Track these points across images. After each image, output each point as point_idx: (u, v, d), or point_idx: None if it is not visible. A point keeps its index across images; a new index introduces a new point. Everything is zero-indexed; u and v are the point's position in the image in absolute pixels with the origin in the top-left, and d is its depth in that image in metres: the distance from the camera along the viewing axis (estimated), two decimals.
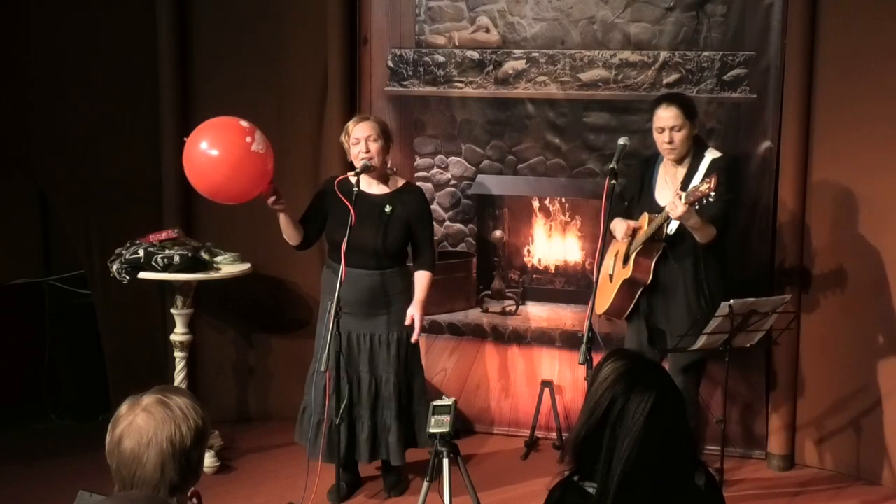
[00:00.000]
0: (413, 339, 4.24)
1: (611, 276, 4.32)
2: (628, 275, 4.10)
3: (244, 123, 4.01)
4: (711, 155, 4.10)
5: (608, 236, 4.25)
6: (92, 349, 5.24)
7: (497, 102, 5.08)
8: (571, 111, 4.99)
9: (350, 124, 4.26)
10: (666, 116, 4.04)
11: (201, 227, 5.13)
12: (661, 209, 4.02)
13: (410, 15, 5.14)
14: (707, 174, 3.97)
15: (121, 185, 5.15)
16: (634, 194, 4.27)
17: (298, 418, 4.38)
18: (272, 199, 4.05)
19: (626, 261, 4.16)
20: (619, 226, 4.18)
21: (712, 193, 3.69)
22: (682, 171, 4.12)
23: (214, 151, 3.92)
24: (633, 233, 4.15)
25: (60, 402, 5.35)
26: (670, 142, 4.05)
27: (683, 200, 3.78)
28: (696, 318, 4.02)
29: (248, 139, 3.94)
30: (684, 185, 4.04)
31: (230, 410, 5.29)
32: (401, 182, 4.35)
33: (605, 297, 4.30)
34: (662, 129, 4.04)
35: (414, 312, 4.22)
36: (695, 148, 4.11)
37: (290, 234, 4.25)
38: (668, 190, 4.11)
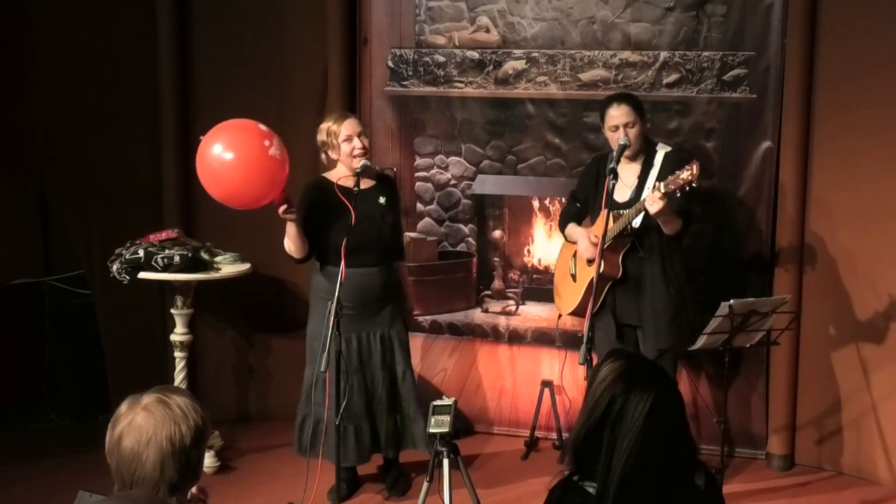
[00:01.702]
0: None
1: (574, 276, 4.37)
2: (599, 271, 4.13)
3: (263, 127, 3.93)
4: (664, 149, 4.22)
5: (590, 238, 4.31)
6: (92, 349, 5.24)
7: (497, 102, 5.08)
8: (571, 111, 4.99)
9: (332, 126, 4.20)
10: (618, 114, 4.14)
11: (201, 227, 5.13)
12: (617, 205, 4.10)
13: (410, 15, 5.14)
14: (663, 167, 4.09)
15: (121, 185, 5.15)
16: (588, 194, 4.36)
17: (296, 430, 4.35)
18: (283, 207, 4.00)
19: (590, 259, 4.20)
20: (582, 241, 4.28)
21: (695, 182, 3.76)
22: (636, 167, 4.21)
23: (231, 154, 3.81)
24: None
25: (60, 402, 5.35)
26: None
27: (664, 189, 3.84)
28: (668, 307, 4.12)
29: (267, 143, 3.87)
30: (641, 180, 4.14)
31: (230, 410, 5.29)
32: (378, 169, 4.45)
33: (570, 297, 4.37)
34: (616, 127, 4.14)
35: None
36: (645, 145, 4.21)
37: (297, 245, 4.19)
38: (624, 187, 4.18)
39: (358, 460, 4.26)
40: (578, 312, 4.35)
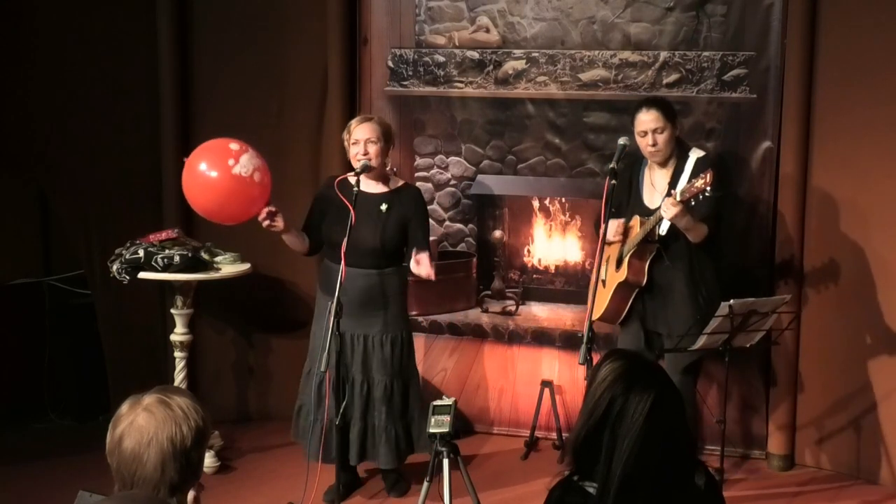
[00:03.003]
0: (431, 277, 4.24)
1: (603, 282, 4.35)
2: (623, 278, 4.12)
3: (234, 146, 3.99)
4: (696, 154, 4.15)
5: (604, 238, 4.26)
6: (92, 349, 5.24)
7: (497, 102, 5.08)
8: (571, 111, 4.99)
9: (352, 123, 4.26)
10: (647, 119, 4.09)
11: (201, 227, 5.11)
12: (649, 212, 4.07)
13: (410, 15, 5.14)
14: (694, 172, 4.02)
15: (121, 185, 5.15)
16: (622, 199, 4.28)
17: (294, 418, 4.40)
18: (266, 223, 4.06)
19: (618, 264, 4.18)
20: (610, 226, 4.20)
21: (708, 189, 3.72)
22: (667, 172, 4.17)
23: (200, 173, 3.95)
24: (625, 233, 4.17)
25: (60, 402, 5.34)
26: (654, 144, 4.10)
27: (679, 198, 3.81)
28: (696, 316, 4.03)
29: (231, 161, 3.93)
30: (672, 185, 4.08)
31: (230, 410, 5.29)
32: (399, 182, 4.35)
33: (598, 302, 4.32)
34: (645, 133, 4.09)
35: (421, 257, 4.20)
36: (678, 149, 4.16)
37: (294, 247, 4.31)
38: (655, 192, 4.15)
39: (326, 459, 4.16)
40: (606, 318, 4.27)
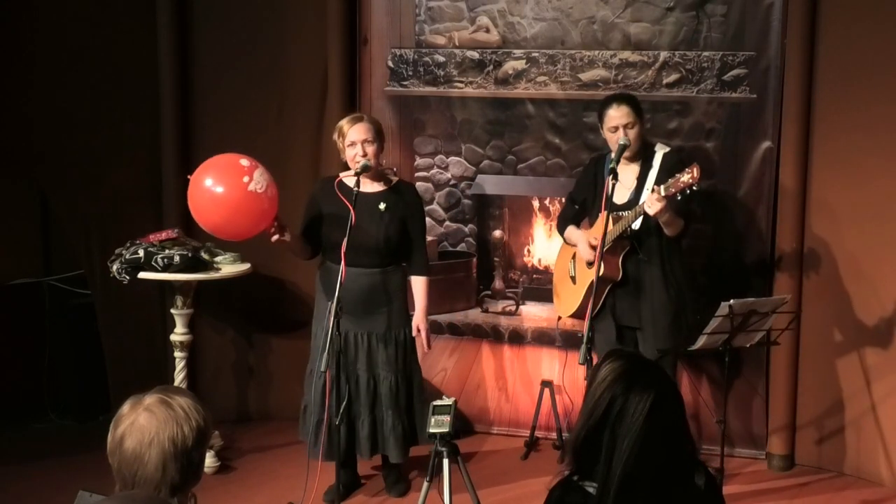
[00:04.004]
0: (426, 349, 4.38)
1: (573, 278, 4.37)
2: (599, 274, 4.14)
3: (244, 162, 3.95)
4: (662, 150, 4.20)
5: (598, 240, 4.29)
6: (92, 349, 5.23)
7: (497, 102, 5.08)
8: (571, 111, 4.99)
9: (344, 125, 4.23)
10: (618, 115, 4.12)
11: (201, 227, 5.12)
12: (616, 208, 4.09)
13: (410, 15, 5.14)
14: (662, 167, 4.07)
15: (121, 185, 5.15)
16: (587, 195, 4.34)
17: (301, 417, 4.39)
18: (276, 237, 4.06)
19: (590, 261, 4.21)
20: (581, 243, 4.26)
21: (696, 185, 3.75)
22: (634, 168, 4.20)
23: (214, 191, 3.91)
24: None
25: (60, 402, 5.34)
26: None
27: (664, 193, 3.82)
28: (669, 309, 4.11)
29: (246, 179, 3.90)
30: (640, 181, 4.12)
31: (230, 410, 5.29)
32: (395, 179, 4.36)
33: (569, 299, 4.36)
34: (616, 128, 4.11)
35: (420, 324, 4.29)
36: (643, 146, 4.19)
37: (297, 254, 4.33)
38: (622, 189, 4.16)
39: (328, 458, 4.18)
40: (578, 315, 4.34)
